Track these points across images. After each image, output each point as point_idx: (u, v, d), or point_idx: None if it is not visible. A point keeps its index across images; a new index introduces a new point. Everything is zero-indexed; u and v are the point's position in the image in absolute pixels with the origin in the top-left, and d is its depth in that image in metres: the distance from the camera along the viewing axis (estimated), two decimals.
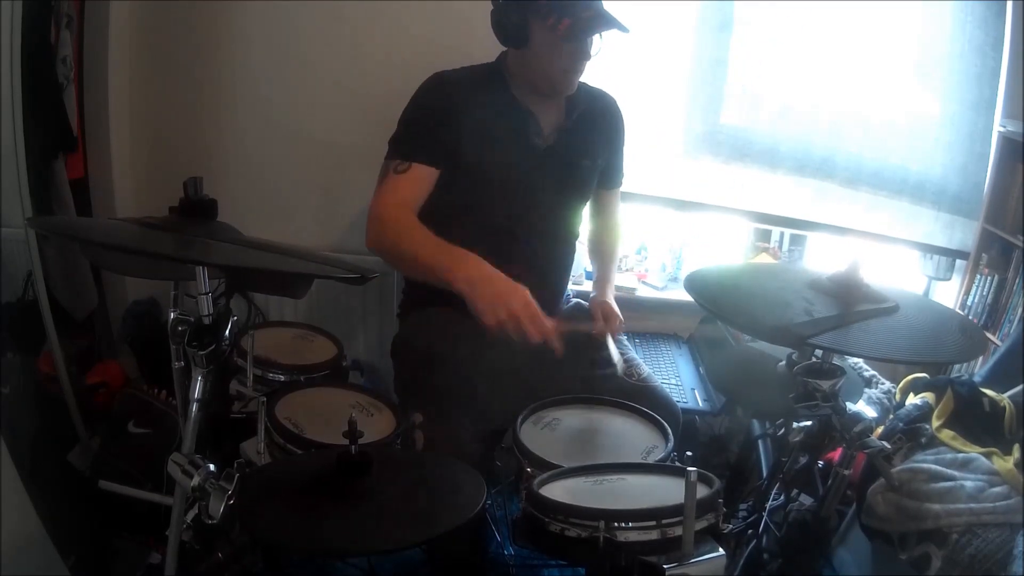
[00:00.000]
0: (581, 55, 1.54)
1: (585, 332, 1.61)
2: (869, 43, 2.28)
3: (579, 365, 1.65)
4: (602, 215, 1.90)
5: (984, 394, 1.75)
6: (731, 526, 1.09)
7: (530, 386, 1.57)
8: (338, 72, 2.21)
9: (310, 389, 1.55)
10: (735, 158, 2.36)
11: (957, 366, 2.15)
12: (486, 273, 1.38)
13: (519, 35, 1.53)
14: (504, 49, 1.64)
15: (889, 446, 1.49)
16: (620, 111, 1.79)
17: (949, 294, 2.43)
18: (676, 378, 2.05)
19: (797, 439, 1.38)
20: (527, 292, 1.36)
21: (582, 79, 1.63)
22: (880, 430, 1.80)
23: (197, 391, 1.10)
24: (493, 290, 1.35)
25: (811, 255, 2.54)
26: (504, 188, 1.62)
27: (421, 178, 1.57)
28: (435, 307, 1.66)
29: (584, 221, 1.86)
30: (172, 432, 1.73)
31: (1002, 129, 2.25)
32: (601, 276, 1.87)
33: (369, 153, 1.65)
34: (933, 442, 1.70)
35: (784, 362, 1.27)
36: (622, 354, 1.70)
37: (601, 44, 1.57)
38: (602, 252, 1.91)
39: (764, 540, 1.50)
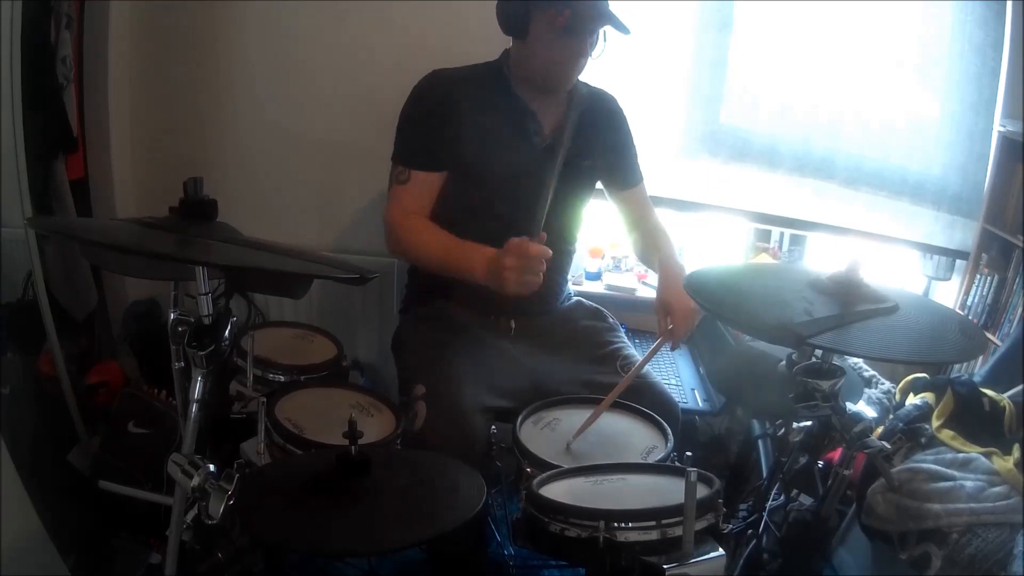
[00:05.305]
0: (577, 51, 1.53)
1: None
2: (869, 43, 2.28)
3: (581, 365, 1.65)
4: (638, 216, 1.83)
5: (984, 394, 1.75)
6: (731, 526, 1.09)
7: (530, 373, 1.60)
8: (337, 72, 2.21)
9: (310, 389, 1.55)
10: (734, 158, 2.36)
11: (957, 366, 2.15)
12: (489, 258, 1.44)
13: (520, 25, 1.53)
14: (506, 48, 1.64)
15: (889, 446, 1.49)
16: (621, 110, 1.79)
17: (949, 294, 2.43)
18: (676, 378, 2.05)
19: (797, 439, 1.38)
20: (505, 250, 1.39)
21: (584, 79, 1.63)
22: (880, 430, 1.80)
23: (197, 391, 1.10)
24: (495, 274, 1.40)
25: (811, 255, 2.54)
26: (503, 187, 1.62)
27: (424, 184, 1.60)
28: (437, 300, 1.69)
29: (620, 231, 1.83)
30: (172, 432, 1.73)
31: (1002, 129, 2.25)
32: (663, 265, 1.64)
33: (368, 153, 1.65)
34: (933, 442, 1.70)
35: (784, 362, 1.27)
36: (619, 349, 1.70)
37: (604, 46, 1.57)
38: (659, 246, 1.76)
39: (764, 540, 1.50)
